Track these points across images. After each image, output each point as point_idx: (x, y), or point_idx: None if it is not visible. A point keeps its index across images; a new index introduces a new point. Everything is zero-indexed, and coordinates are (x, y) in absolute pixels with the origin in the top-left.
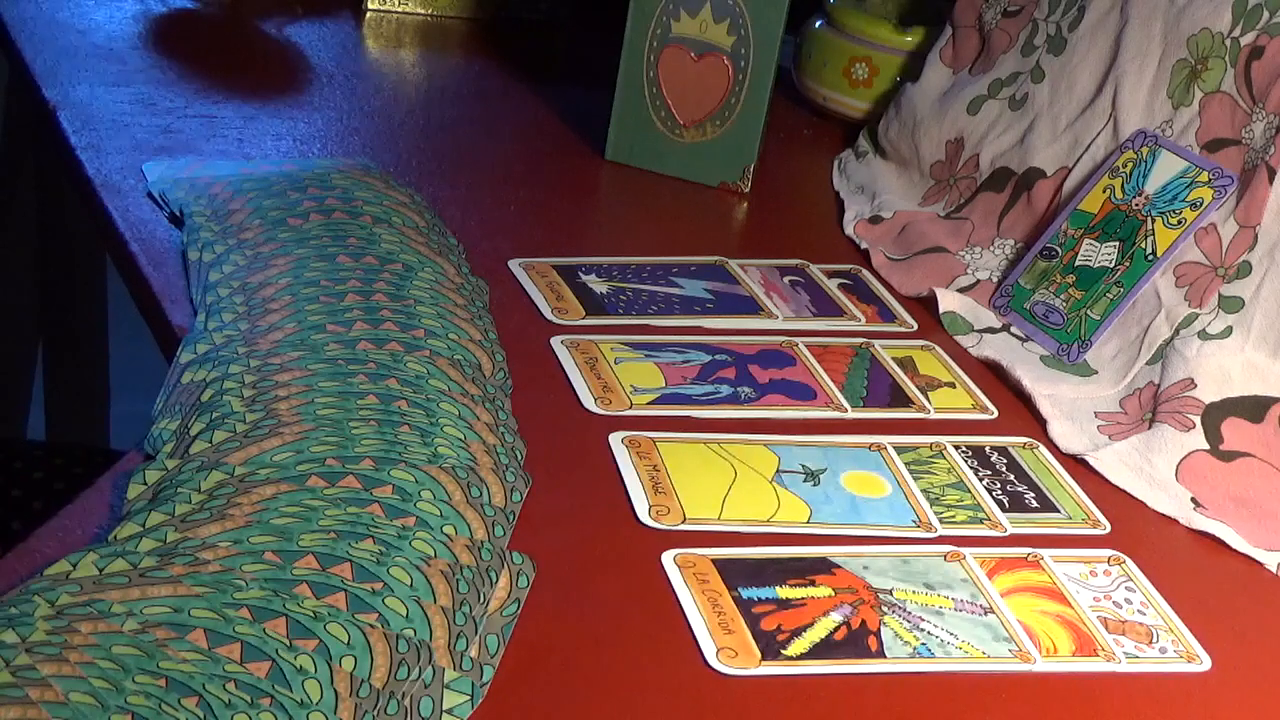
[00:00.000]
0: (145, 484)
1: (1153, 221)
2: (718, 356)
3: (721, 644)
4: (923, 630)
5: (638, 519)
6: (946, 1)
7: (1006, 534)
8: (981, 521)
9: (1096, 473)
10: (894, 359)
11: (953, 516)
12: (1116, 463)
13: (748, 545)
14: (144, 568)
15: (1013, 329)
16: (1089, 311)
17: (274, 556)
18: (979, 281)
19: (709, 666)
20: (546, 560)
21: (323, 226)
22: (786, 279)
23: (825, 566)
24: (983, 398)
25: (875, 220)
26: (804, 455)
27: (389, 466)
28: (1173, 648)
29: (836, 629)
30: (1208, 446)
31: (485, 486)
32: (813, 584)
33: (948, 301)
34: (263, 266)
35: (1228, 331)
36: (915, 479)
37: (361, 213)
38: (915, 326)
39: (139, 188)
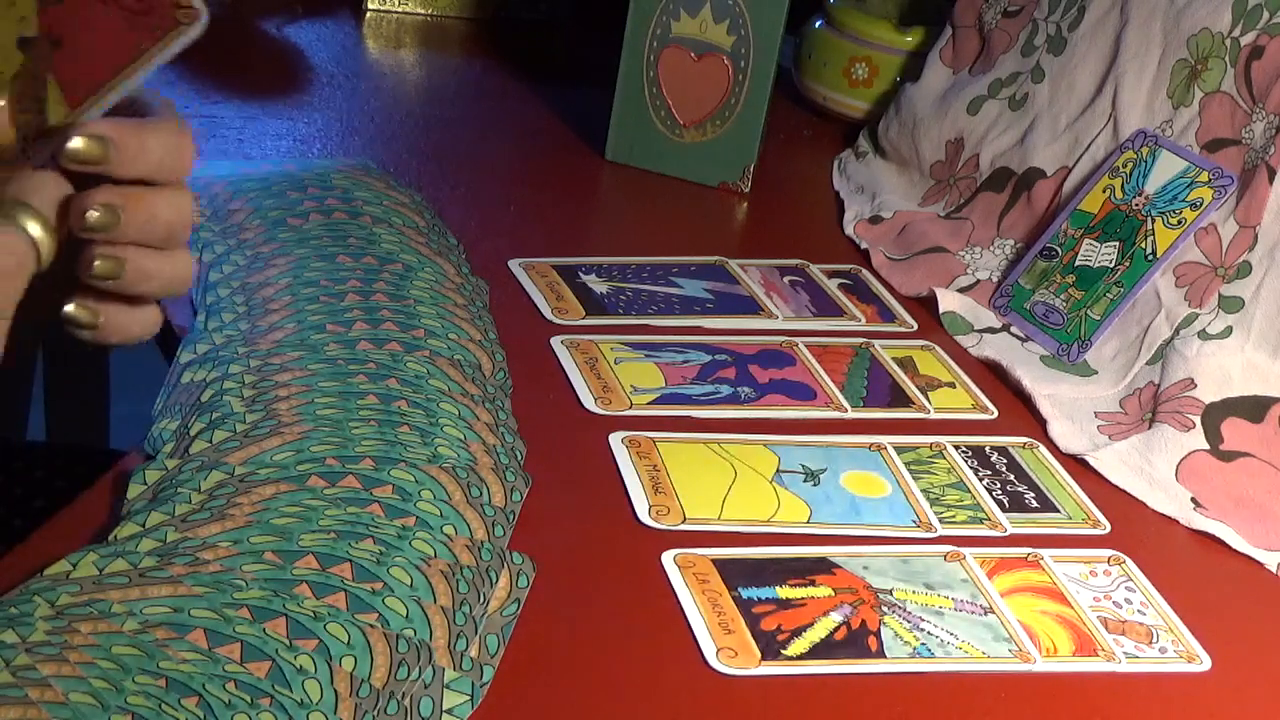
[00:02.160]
0: (145, 484)
1: (1153, 221)
2: (718, 356)
3: (721, 644)
4: (923, 630)
5: (638, 519)
6: (947, 1)
7: (1006, 534)
8: (981, 521)
9: (1096, 473)
10: (894, 359)
11: (953, 516)
12: (1116, 463)
13: (748, 545)
14: (144, 568)
15: (1013, 329)
16: (1089, 311)
17: (274, 556)
18: (979, 281)
19: (709, 666)
20: (546, 560)
21: (323, 227)
22: (786, 279)
23: (825, 566)
24: (983, 398)
25: (875, 220)
26: (804, 455)
27: (389, 466)
28: (1173, 648)
29: (836, 629)
30: (1208, 446)
31: (485, 486)
32: (813, 584)
33: (948, 301)
34: (263, 266)
35: (1228, 331)
36: (915, 479)
37: (361, 213)
38: (915, 326)
39: None
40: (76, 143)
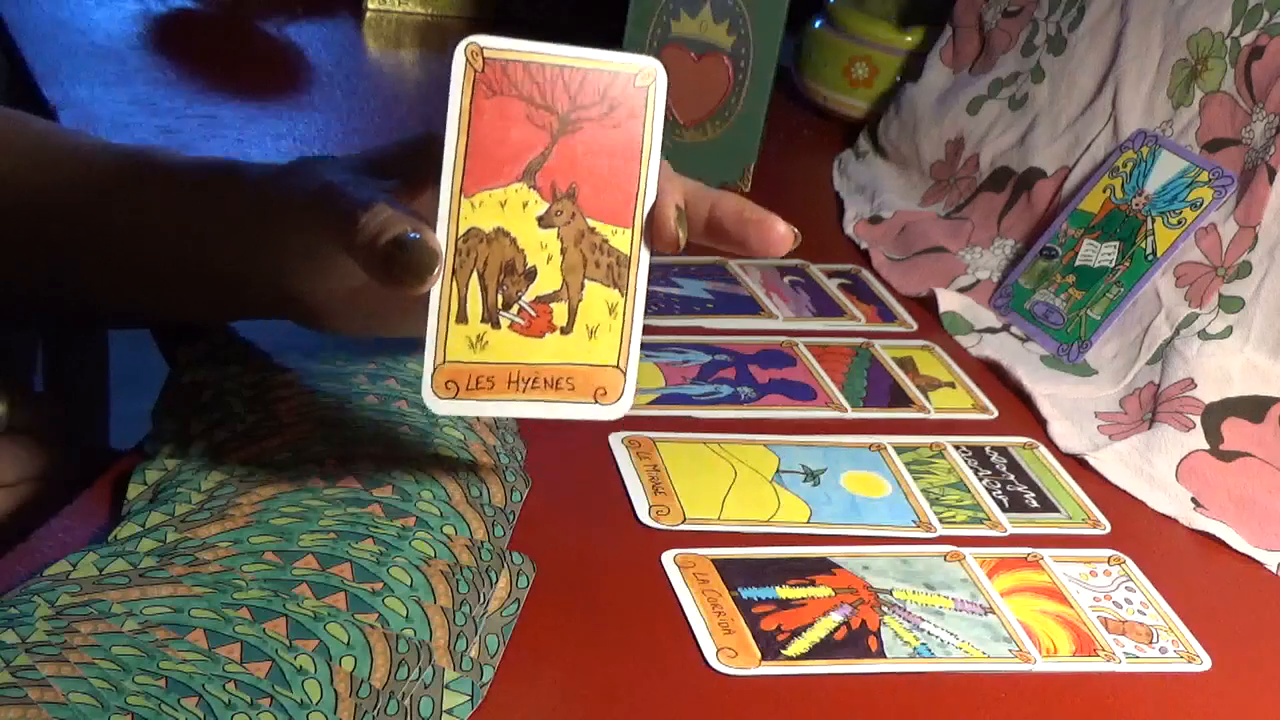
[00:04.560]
0: (145, 484)
1: (1153, 221)
2: (718, 356)
3: (721, 644)
4: (923, 630)
5: (638, 519)
6: (946, 1)
7: (1006, 534)
8: (981, 521)
9: (1096, 473)
10: (894, 359)
11: (953, 516)
12: (1116, 463)
13: (748, 545)
14: (144, 568)
15: (1013, 329)
16: (1089, 311)
17: (274, 556)
18: (979, 281)
19: (709, 666)
20: (546, 560)
21: None
22: (786, 279)
23: (825, 566)
24: (983, 398)
25: (875, 220)
26: (804, 455)
27: (389, 467)
28: (1173, 648)
29: (836, 629)
30: (1208, 446)
31: (485, 486)
32: (813, 584)
33: (948, 301)
34: None
35: (1228, 331)
36: (915, 479)
37: None
38: (915, 326)
39: None
40: (671, 228)
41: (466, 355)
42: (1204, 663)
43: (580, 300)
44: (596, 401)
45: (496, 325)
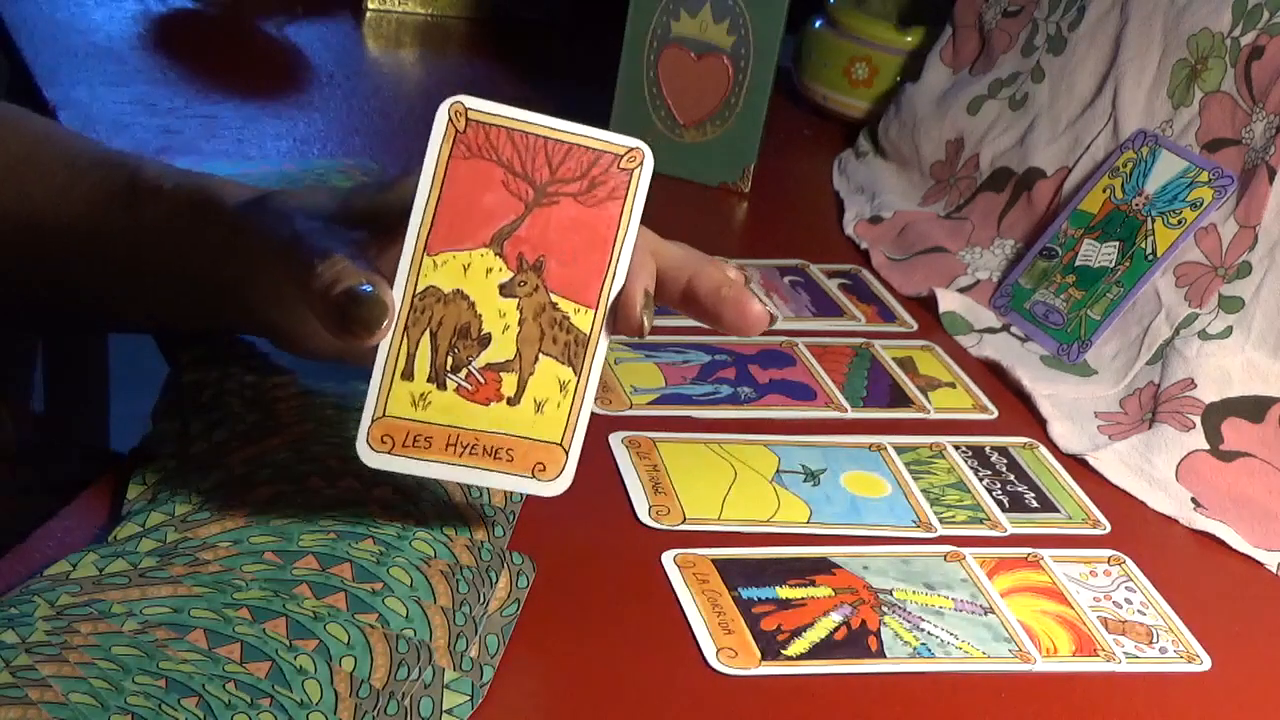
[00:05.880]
0: (145, 484)
1: (1153, 221)
2: (718, 356)
3: (721, 644)
4: (923, 630)
5: (638, 519)
6: (946, 1)
7: (1006, 534)
8: (981, 521)
9: (1096, 473)
10: (894, 359)
11: (953, 516)
12: (1116, 463)
13: (748, 545)
14: (144, 568)
15: (1013, 329)
16: (1089, 311)
17: (274, 556)
18: (979, 281)
19: (709, 666)
20: (546, 560)
21: None
22: (786, 279)
23: (825, 566)
24: (983, 398)
25: (875, 220)
26: (804, 455)
27: None
28: (1173, 648)
29: (836, 629)
30: (1208, 446)
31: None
32: (813, 584)
33: (948, 301)
34: None
35: (1228, 331)
36: (915, 479)
37: None
38: (915, 326)
39: None
40: (635, 316)
41: (407, 412)
42: (1204, 663)
43: (532, 374)
44: (534, 477)
45: (442, 386)
